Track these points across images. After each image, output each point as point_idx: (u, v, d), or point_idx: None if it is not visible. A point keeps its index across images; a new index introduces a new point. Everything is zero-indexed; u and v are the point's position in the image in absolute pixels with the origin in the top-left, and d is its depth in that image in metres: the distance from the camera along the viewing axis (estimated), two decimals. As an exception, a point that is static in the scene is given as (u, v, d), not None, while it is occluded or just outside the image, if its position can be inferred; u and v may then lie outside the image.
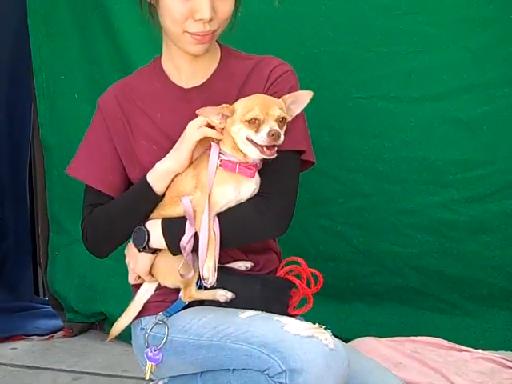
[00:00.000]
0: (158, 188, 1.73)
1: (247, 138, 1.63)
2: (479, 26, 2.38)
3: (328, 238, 2.67)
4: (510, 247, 2.50)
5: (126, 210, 1.79)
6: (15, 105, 3.17)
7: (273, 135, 1.58)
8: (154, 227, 1.73)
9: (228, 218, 1.69)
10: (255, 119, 1.61)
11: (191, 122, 1.69)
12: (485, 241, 2.51)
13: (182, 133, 1.76)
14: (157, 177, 1.73)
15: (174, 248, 1.70)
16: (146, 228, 1.73)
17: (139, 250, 1.75)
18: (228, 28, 1.76)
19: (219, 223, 1.68)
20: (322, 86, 2.47)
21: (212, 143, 1.69)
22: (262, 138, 1.60)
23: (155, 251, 1.76)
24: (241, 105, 1.65)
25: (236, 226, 1.71)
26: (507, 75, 2.39)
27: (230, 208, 1.70)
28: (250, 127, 1.61)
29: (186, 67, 1.81)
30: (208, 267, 1.66)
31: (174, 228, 1.71)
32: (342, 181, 2.61)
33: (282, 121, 1.62)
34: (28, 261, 3.30)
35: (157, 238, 1.72)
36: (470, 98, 2.42)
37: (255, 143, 1.62)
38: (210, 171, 1.67)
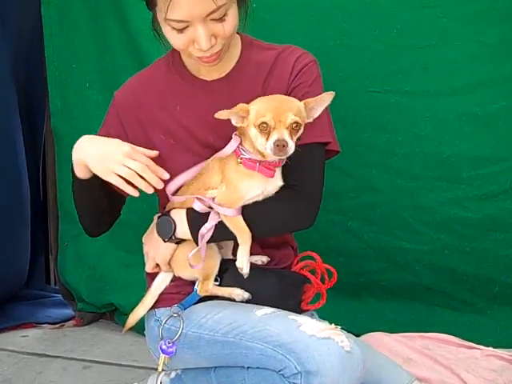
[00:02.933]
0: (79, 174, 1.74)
1: (260, 144, 1.62)
2: (497, 19, 2.35)
3: (339, 234, 2.66)
4: (523, 246, 2.49)
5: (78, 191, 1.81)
6: (32, 94, 3.16)
7: (278, 146, 1.57)
8: (180, 217, 1.73)
9: (259, 210, 1.70)
10: (265, 125, 1.59)
11: (129, 152, 1.66)
12: (498, 238, 2.49)
13: (201, 126, 1.77)
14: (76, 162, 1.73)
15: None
16: (172, 218, 1.73)
17: (164, 240, 1.75)
18: (241, 26, 1.74)
19: (250, 216, 1.68)
20: (336, 78, 2.45)
21: (233, 135, 1.69)
22: (270, 146, 1.58)
23: (179, 241, 1.76)
24: (255, 107, 1.63)
25: (267, 218, 1.73)
26: (525, 70, 2.36)
27: (260, 201, 1.70)
28: (262, 133, 1.60)
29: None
30: (243, 256, 1.68)
31: (198, 218, 1.71)
32: (355, 175, 2.59)
33: (295, 126, 1.60)
34: (40, 250, 3.30)
35: (182, 229, 1.73)
36: (487, 93, 2.39)
37: (266, 150, 1.61)
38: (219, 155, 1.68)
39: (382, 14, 2.44)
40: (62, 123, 3.00)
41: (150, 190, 1.66)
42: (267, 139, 1.59)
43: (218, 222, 1.70)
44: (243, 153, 1.68)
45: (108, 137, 1.82)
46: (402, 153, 2.51)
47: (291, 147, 1.59)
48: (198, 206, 1.71)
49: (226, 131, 1.70)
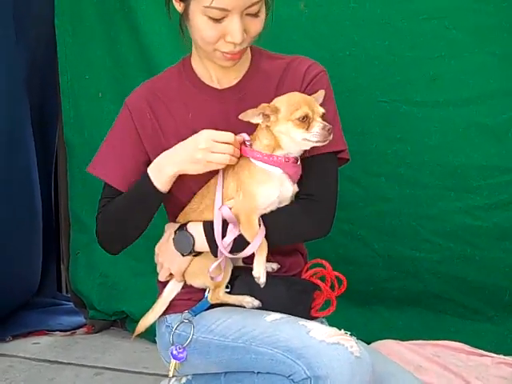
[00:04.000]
0: (163, 188, 1.75)
1: (304, 139, 1.65)
2: (505, 31, 2.37)
3: (348, 242, 2.67)
4: (532, 255, 2.49)
5: (132, 209, 1.80)
6: (47, 104, 3.20)
7: (328, 130, 1.63)
8: (197, 231, 1.74)
9: (275, 221, 1.71)
10: (306, 117, 1.64)
11: (211, 134, 1.68)
12: (508, 248, 2.50)
13: None
14: (163, 181, 1.74)
15: (217, 252, 1.71)
16: (190, 233, 1.74)
17: (183, 255, 1.76)
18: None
19: (267, 225, 1.70)
20: (346, 89, 2.48)
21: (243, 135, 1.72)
22: (316, 133, 1.63)
23: (196, 254, 1.77)
24: (284, 103, 1.67)
25: (283, 228, 1.74)
26: (533, 81, 2.38)
27: (278, 210, 1.72)
28: (301, 125, 1.64)
29: (217, 69, 1.81)
30: (260, 266, 1.68)
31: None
32: (364, 185, 2.61)
33: (322, 116, 1.66)
34: (52, 258, 3.33)
35: (200, 242, 1.74)
36: (496, 104, 2.41)
37: (308, 140, 1.65)
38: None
39: (392, 25, 2.47)
40: (75, 133, 3.02)
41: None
42: (307, 129, 1.64)
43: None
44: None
45: (124, 143, 1.84)
46: (412, 162, 2.53)
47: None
48: (227, 213, 1.71)
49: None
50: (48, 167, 3.28)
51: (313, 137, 1.64)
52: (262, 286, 1.70)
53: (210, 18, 1.65)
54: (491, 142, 2.44)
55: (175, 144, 1.78)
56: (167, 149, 1.80)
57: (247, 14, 1.65)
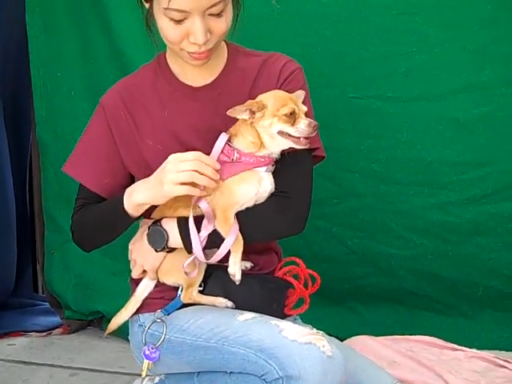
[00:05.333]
0: (133, 213, 1.74)
1: (281, 132, 1.67)
2: (477, 25, 2.38)
3: (323, 240, 2.67)
4: (506, 250, 2.50)
5: (105, 223, 1.81)
6: (19, 102, 3.16)
7: (314, 126, 1.66)
8: (171, 227, 1.73)
9: (249, 218, 1.71)
10: (293, 113, 1.66)
11: (177, 156, 1.64)
12: (481, 243, 2.51)
13: (189, 132, 1.77)
14: (131, 206, 1.73)
15: (191, 248, 1.71)
16: (163, 229, 1.73)
17: (156, 251, 1.75)
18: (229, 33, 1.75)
19: (241, 222, 1.69)
20: (318, 85, 2.45)
21: (223, 133, 1.71)
22: (302, 130, 1.66)
23: (170, 250, 1.76)
24: (270, 99, 1.68)
25: (257, 226, 1.74)
26: (505, 75, 2.39)
27: (251, 208, 1.72)
28: (287, 121, 1.66)
29: (191, 67, 1.79)
30: (235, 263, 1.68)
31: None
32: (337, 181, 2.61)
33: (305, 114, 1.69)
34: (27, 258, 3.30)
35: (174, 238, 1.73)
36: (467, 99, 2.42)
37: (291, 136, 1.66)
38: (212, 155, 1.68)
39: (364, 21, 2.47)
40: (47, 132, 2.99)
41: (213, 184, 1.64)
42: (292, 125, 1.66)
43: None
44: (235, 149, 1.70)
45: (97, 142, 1.83)
46: (385, 158, 2.54)
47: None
48: (204, 207, 1.69)
49: (214, 136, 1.71)
50: (22, 165, 3.25)
51: (296, 132, 1.66)
52: (237, 284, 1.70)
53: (171, 19, 1.64)
54: (463, 138, 2.45)
55: (151, 144, 1.79)
56: (142, 148, 1.80)
57: (210, 15, 1.64)
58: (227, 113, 1.65)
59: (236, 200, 1.69)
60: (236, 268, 1.69)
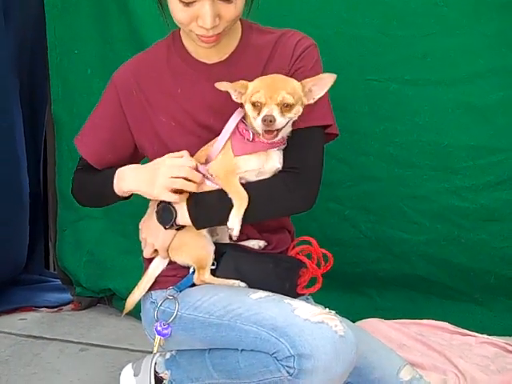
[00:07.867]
0: (121, 195, 1.82)
1: (253, 119, 1.65)
2: (496, 11, 2.36)
3: (336, 223, 2.66)
4: (519, 237, 2.48)
5: (97, 192, 1.89)
6: (36, 80, 3.16)
7: (265, 121, 1.60)
8: (179, 204, 1.73)
9: (257, 193, 1.70)
10: (258, 102, 1.63)
11: (172, 161, 1.71)
12: (494, 230, 2.49)
13: (202, 109, 1.77)
14: (118, 189, 1.80)
15: (199, 224, 1.73)
16: (172, 206, 1.74)
17: (165, 228, 1.76)
18: (245, 13, 1.74)
19: (250, 196, 1.69)
20: (335, 67, 2.35)
21: (238, 110, 1.71)
22: (257, 123, 1.62)
23: (179, 228, 1.77)
24: (253, 84, 1.66)
25: (265, 201, 1.73)
26: (523, 61, 2.36)
27: (258, 182, 1.72)
28: (254, 109, 1.64)
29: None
30: (235, 217, 1.68)
31: (198, 204, 1.72)
32: (352, 164, 2.59)
33: (286, 106, 1.62)
34: (39, 235, 3.31)
35: (183, 215, 1.74)
36: (485, 84, 2.40)
37: (254, 126, 1.65)
38: (223, 133, 1.70)
39: (382, 3, 2.44)
40: (63, 110, 2.99)
41: (198, 190, 1.72)
42: (258, 115, 1.62)
43: (217, 205, 1.71)
44: (245, 127, 1.70)
45: (105, 117, 1.85)
46: (400, 141, 2.52)
47: (280, 123, 1.61)
48: (202, 169, 1.72)
49: (227, 113, 1.72)
50: (37, 142, 3.26)
51: (256, 124, 1.64)
52: (234, 239, 1.71)
53: (181, 1, 1.64)
54: (480, 123, 2.43)
55: (164, 120, 1.79)
56: (155, 125, 1.80)
57: (220, 0, 1.63)
58: (215, 85, 1.66)
59: (236, 165, 1.69)
60: (235, 222, 1.68)
